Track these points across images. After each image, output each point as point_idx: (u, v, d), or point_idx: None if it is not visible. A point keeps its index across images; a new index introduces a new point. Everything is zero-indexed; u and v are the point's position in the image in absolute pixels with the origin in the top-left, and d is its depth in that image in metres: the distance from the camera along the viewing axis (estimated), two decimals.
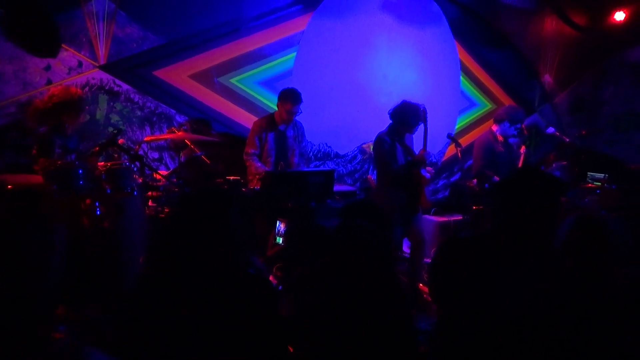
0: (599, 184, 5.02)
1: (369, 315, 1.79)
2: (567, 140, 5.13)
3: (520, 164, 4.70)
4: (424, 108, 4.03)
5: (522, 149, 4.75)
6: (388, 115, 4.05)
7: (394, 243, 4.23)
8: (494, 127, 4.65)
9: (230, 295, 1.60)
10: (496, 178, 4.45)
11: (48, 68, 4.16)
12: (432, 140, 4.15)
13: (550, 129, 5.14)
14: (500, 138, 4.62)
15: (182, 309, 1.56)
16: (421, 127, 4.06)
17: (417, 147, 4.11)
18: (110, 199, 3.42)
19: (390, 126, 4.05)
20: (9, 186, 3.17)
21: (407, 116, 3.96)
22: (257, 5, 4.97)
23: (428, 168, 4.10)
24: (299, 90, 4.32)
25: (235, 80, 4.98)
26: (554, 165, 5.35)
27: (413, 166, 3.99)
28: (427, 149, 4.02)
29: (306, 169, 4.49)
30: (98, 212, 3.35)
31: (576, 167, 5.21)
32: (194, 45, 4.72)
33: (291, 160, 4.49)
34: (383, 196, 4.05)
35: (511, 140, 4.75)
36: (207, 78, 4.84)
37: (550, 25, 6.68)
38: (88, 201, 3.36)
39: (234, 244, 1.70)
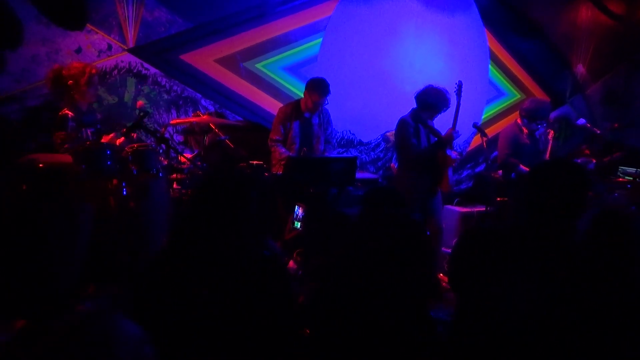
0: (630, 178, 4.88)
1: (388, 304, 1.79)
2: (598, 132, 4.99)
3: (548, 150, 4.61)
4: (460, 82, 3.97)
5: (551, 135, 4.64)
6: (414, 99, 4.02)
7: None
8: (519, 120, 4.57)
9: (244, 275, 1.63)
10: (522, 167, 4.37)
11: (79, 51, 4.25)
12: (458, 128, 4.10)
13: (581, 121, 5.01)
14: (525, 130, 4.53)
15: (198, 288, 1.60)
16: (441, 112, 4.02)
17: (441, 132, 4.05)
18: (136, 180, 3.49)
19: (413, 110, 4.02)
20: (40, 165, 3.28)
21: (431, 101, 3.93)
22: None
23: (455, 150, 4.05)
24: (325, 78, 4.31)
25: (261, 66, 4.99)
26: (583, 159, 5.22)
27: (439, 146, 3.94)
28: (456, 129, 3.97)
29: (328, 155, 4.48)
30: (124, 193, 3.44)
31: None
32: (220, 29, 4.74)
33: (316, 147, 4.48)
34: (404, 180, 4.02)
35: (537, 132, 4.66)
36: (232, 63, 4.86)
37: (585, 13, 6.46)
38: (115, 182, 3.44)
39: (250, 226, 1.72)
